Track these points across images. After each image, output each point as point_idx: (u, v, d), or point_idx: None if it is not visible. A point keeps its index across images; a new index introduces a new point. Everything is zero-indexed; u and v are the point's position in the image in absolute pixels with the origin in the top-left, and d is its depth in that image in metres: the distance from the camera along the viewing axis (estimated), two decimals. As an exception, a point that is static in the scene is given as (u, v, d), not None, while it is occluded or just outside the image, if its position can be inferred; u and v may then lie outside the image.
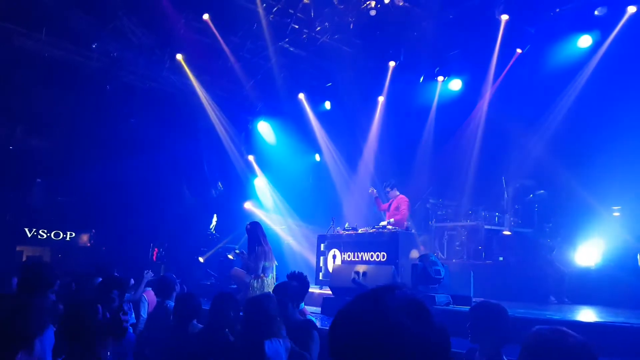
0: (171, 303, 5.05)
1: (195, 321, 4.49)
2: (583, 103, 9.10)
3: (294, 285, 4.46)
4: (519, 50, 10.16)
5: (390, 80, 12.01)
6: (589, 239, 7.94)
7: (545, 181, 9.19)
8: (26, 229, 14.41)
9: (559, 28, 9.53)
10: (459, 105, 11.39)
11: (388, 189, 9.28)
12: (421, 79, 11.79)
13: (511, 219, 9.21)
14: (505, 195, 9.32)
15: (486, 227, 9.25)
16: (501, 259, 8.72)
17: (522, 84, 10.08)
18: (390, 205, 9.16)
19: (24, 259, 14.02)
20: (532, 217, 9.02)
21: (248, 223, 7.47)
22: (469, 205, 10.06)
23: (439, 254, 9.45)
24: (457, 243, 9.60)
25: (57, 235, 14.83)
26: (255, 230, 7.21)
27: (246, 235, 7.42)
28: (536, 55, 10.01)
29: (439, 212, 10.33)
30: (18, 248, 14.60)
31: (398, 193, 9.19)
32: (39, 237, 14.63)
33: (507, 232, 8.97)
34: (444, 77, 11.35)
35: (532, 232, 8.87)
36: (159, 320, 4.97)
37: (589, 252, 7.85)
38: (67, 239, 14.97)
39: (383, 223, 8.87)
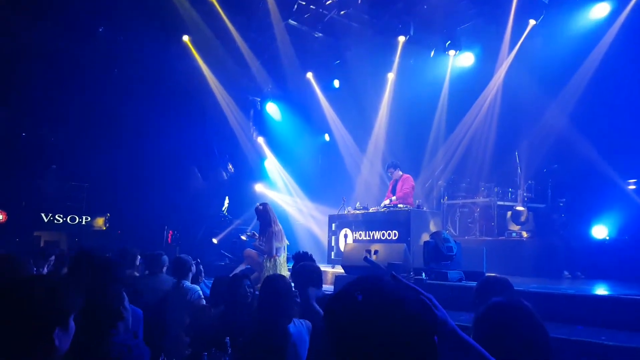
0: (187, 283, 5.13)
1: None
2: (603, 73, 8.77)
3: (316, 266, 4.41)
4: (532, 22, 9.88)
5: (400, 55, 11.80)
6: (603, 212, 7.82)
7: (562, 155, 8.99)
8: (42, 214, 14.66)
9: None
10: (472, 79, 11.14)
11: (391, 170, 9.20)
12: (432, 54, 11.58)
13: (524, 194, 9.07)
14: (519, 171, 9.18)
15: (499, 203, 9.16)
16: (514, 234, 8.63)
17: (537, 56, 9.77)
18: (395, 187, 9.09)
19: (42, 244, 14.31)
20: (545, 192, 8.89)
21: (258, 204, 7.53)
22: (481, 181, 9.95)
23: (451, 231, 9.41)
24: (470, 220, 9.54)
25: (72, 219, 15.06)
26: (266, 212, 7.29)
27: (256, 216, 7.49)
28: (551, 25, 9.69)
29: (451, 190, 10.23)
30: (35, 233, 14.88)
31: (401, 173, 9.11)
32: (55, 222, 14.89)
33: (520, 208, 8.86)
34: (456, 52, 11.09)
35: (545, 207, 8.76)
36: (176, 299, 5.04)
37: (603, 226, 7.73)
38: (83, 223, 15.20)
39: (385, 202, 8.84)
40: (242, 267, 7.73)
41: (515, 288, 3.48)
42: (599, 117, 8.58)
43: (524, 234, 8.51)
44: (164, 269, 5.59)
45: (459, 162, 10.96)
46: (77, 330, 1.80)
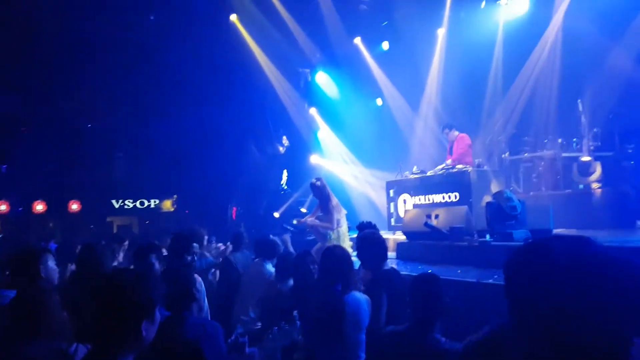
0: (270, 265, 5.20)
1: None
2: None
3: (380, 237, 4.26)
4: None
5: (450, 9, 11.38)
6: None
7: (628, 98, 8.43)
8: (113, 201, 15.46)
9: None
10: (528, 27, 10.47)
11: (446, 131, 8.98)
12: (482, 5, 11.05)
13: (590, 143, 8.64)
14: (583, 119, 8.73)
15: (564, 154, 8.79)
16: (581, 186, 8.29)
17: None
18: (452, 148, 8.90)
19: (115, 229, 15.14)
20: (612, 139, 8.42)
21: (314, 180, 7.42)
22: (544, 134, 9.54)
23: (515, 188, 9.15)
24: (534, 175, 9.23)
25: (142, 203, 15.82)
26: (323, 186, 7.24)
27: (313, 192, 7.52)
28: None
29: (513, 145, 9.89)
30: (108, 219, 15.76)
31: (457, 133, 8.88)
32: (126, 207, 15.70)
33: (586, 158, 8.46)
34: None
35: (613, 155, 8.33)
36: (255, 277, 5.16)
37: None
38: (152, 206, 15.93)
39: (440, 166, 8.69)
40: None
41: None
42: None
43: (593, 185, 8.16)
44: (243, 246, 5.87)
45: (520, 115, 10.50)
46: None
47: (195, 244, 4.27)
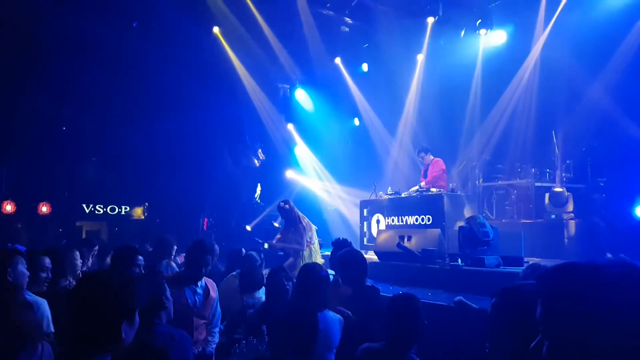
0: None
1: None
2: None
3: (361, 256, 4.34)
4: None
5: (430, 37, 11.55)
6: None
7: (602, 132, 8.62)
8: (84, 205, 15.13)
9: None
10: (506, 58, 10.72)
11: (422, 155, 9.06)
12: (462, 34, 11.26)
13: (563, 174, 8.79)
14: (556, 150, 8.88)
15: (537, 184, 8.89)
16: (553, 216, 8.39)
17: (576, 30, 9.20)
18: (426, 171, 8.97)
19: (84, 234, 14.76)
20: (585, 172, 8.58)
21: (282, 203, 7.31)
22: (518, 162, 9.67)
23: (488, 214, 9.22)
24: (507, 202, 9.30)
25: (112, 209, 15.51)
26: (292, 209, 7.20)
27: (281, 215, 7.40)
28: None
29: (487, 172, 10.00)
30: (77, 223, 15.41)
31: (432, 157, 8.97)
32: (96, 212, 15.37)
33: (558, 189, 8.59)
34: (487, 30, 10.73)
35: (585, 187, 8.48)
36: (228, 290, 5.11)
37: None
38: (122, 213, 15.63)
39: (414, 188, 8.73)
40: None
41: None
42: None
43: (565, 216, 8.27)
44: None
45: (496, 143, 10.63)
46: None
47: (209, 256, 4.15)
